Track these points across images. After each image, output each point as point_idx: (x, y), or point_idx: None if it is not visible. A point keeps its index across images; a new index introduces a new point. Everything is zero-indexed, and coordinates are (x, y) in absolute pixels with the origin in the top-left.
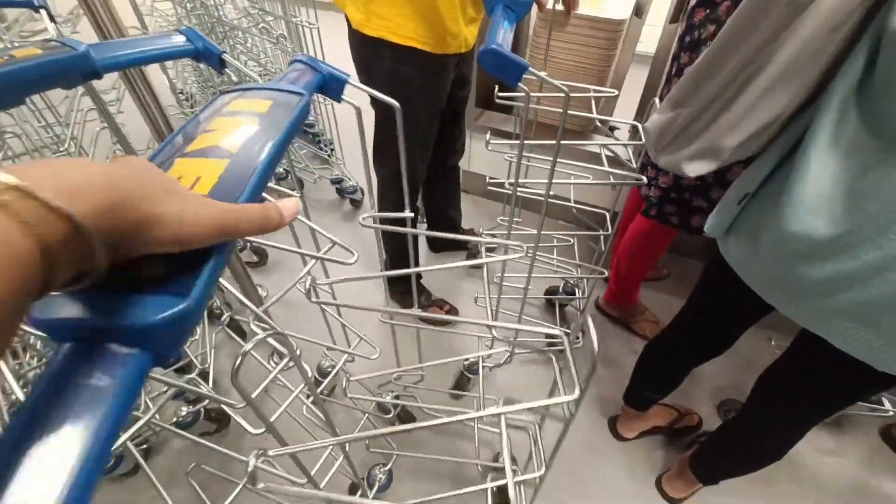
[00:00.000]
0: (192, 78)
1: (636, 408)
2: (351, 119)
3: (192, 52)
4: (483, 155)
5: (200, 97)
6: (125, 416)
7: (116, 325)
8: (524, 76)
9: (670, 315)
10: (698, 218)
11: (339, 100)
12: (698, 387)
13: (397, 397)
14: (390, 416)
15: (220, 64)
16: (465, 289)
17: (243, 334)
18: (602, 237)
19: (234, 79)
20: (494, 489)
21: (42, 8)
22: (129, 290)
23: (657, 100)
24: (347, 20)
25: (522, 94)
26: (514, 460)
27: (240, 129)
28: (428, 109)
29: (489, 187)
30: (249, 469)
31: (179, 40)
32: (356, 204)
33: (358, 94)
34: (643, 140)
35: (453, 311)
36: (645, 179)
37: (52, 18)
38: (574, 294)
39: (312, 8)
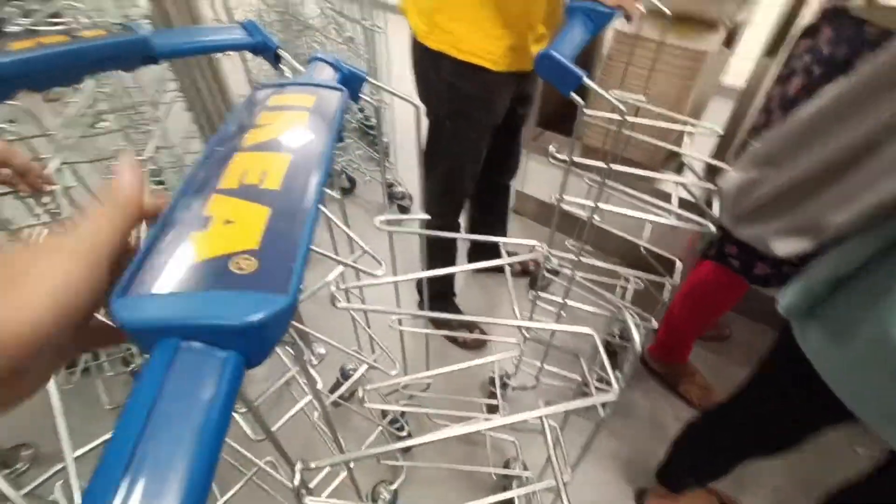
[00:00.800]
0: (273, 72)
1: (669, 488)
2: (410, 124)
3: (251, 45)
4: (539, 175)
5: None
6: (226, 426)
7: (213, 327)
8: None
9: (725, 384)
10: (763, 266)
11: (356, 99)
12: (747, 469)
13: (404, 412)
14: (403, 432)
15: (275, 59)
16: (503, 312)
17: None
18: (669, 285)
19: (289, 74)
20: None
21: None
22: (223, 285)
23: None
24: (411, 29)
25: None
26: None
27: (293, 123)
28: (482, 125)
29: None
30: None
31: (238, 33)
32: (404, 210)
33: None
34: (718, 204)
35: (482, 340)
36: (712, 228)
37: None
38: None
39: (382, 11)
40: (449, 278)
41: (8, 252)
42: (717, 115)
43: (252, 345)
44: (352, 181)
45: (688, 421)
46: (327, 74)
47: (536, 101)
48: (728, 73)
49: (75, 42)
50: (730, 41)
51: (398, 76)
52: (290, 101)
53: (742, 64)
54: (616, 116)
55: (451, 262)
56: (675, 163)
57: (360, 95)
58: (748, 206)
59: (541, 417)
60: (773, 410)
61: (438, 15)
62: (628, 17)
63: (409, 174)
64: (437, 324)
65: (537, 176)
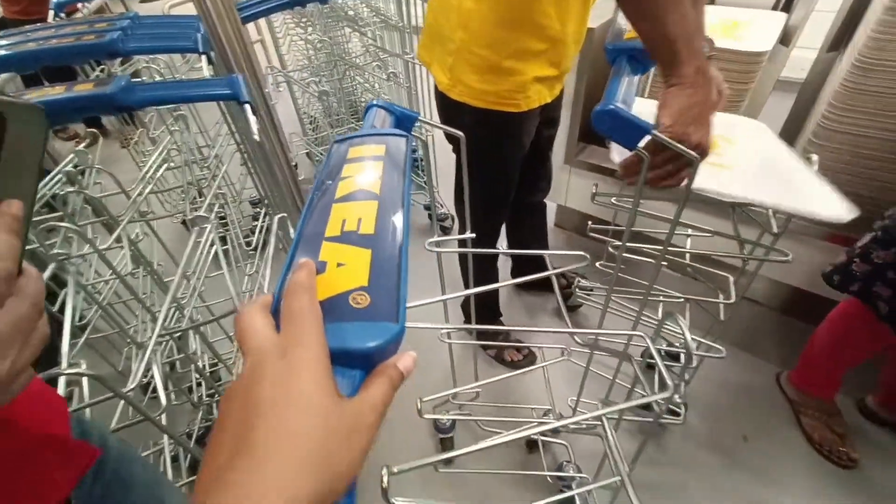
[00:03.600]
0: (318, 105)
1: None
2: (447, 148)
3: (222, 96)
4: (581, 190)
5: (322, 121)
6: None
7: (348, 352)
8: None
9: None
10: None
11: (410, 136)
12: None
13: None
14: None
15: (252, 111)
16: (550, 334)
17: None
18: (722, 306)
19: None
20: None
21: (205, 54)
22: (349, 317)
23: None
24: (434, 79)
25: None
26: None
27: (374, 171)
28: (511, 159)
29: (590, 233)
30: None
31: (216, 87)
32: (446, 231)
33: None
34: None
35: (531, 356)
36: (790, 257)
37: (209, 60)
38: (678, 359)
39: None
40: (493, 297)
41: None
42: (777, 110)
43: (374, 363)
44: None
45: None
46: (382, 118)
47: (568, 118)
48: (787, 67)
49: (57, 94)
50: (786, 39)
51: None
52: (366, 151)
53: (803, 54)
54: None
55: (494, 282)
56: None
57: (413, 133)
58: None
59: (601, 417)
60: None
61: (457, 68)
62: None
63: (448, 196)
64: (486, 346)
65: (580, 190)
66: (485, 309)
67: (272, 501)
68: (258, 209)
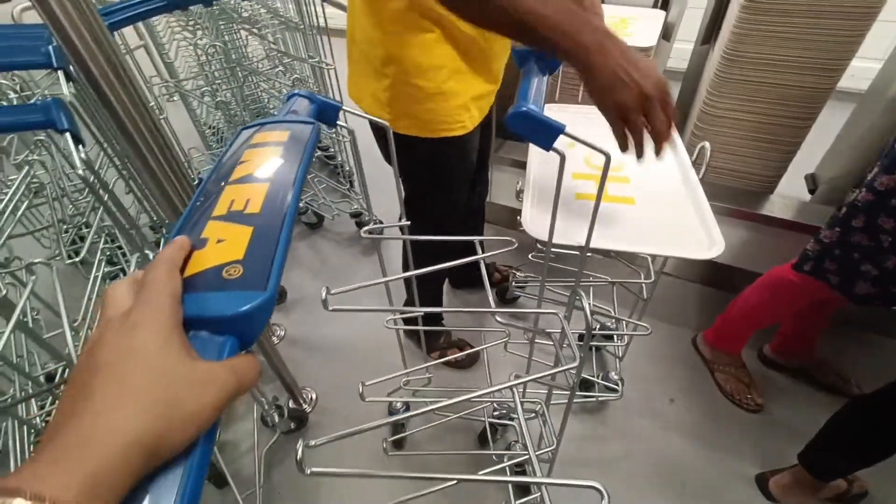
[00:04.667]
0: (219, 113)
1: (818, 476)
2: (370, 152)
3: (42, 124)
4: (504, 184)
5: (226, 132)
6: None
7: (213, 319)
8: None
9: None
10: (865, 286)
11: (333, 125)
12: None
13: (407, 406)
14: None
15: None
16: (489, 330)
17: None
18: (644, 286)
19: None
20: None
21: (60, 69)
22: (218, 287)
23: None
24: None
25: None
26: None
27: (270, 156)
28: (463, 179)
29: (520, 227)
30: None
31: (27, 113)
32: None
33: (351, 119)
34: None
35: (474, 355)
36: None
37: (68, 77)
38: (613, 338)
39: (328, 45)
40: (437, 298)
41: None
42: None
43: (243, 330)
44: (319, 216)
45: (857, 396)
46: (303, 107)
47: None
48: (672, 59)
49: None
50: (668, 34)
51: (353, 107)
52: (268, 137)
53: (684, 46)
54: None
55: (440, 284)
56: None
57: (339, 123)
58: None
59: (512, 390)
60: None
61: (397, 103)
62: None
63: (376, 201)
64: (430, 349)
65: (503, 185)
66: (429, 318)
67: (108, 441)
68: (159, 235)
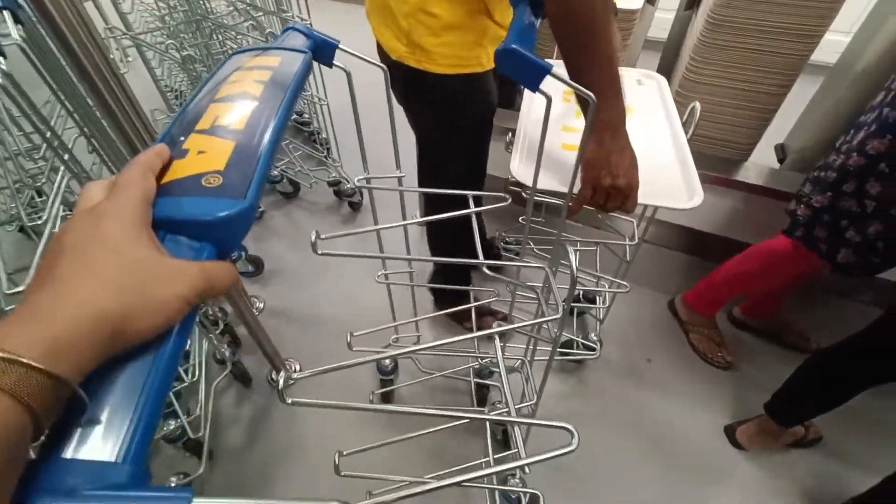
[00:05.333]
0: (182, 76)
1: (781, 423)
2: (348, 118)
3: None
4: (496, 153)
5: (189, 93)
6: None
7: (188, 221)
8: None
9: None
10: (847, 254)
11: (330, 65)
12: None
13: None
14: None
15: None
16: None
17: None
18: (627, 248)
19: None
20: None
21: (6, 9)
22: (196, 193)
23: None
24: (381, 50)
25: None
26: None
27: (259, 79)
28: (486, 122)
29: (510, 187)
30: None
31: None
32: (355, 207)
33: (347, 59)
34: None
35: (506, 320)
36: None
37: (15, 18)
38: (595, 302)
39: (304, 1)
40: (464, 275)
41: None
42: (646, 67)
43: (221, 237)
44: (295, 185)
45: (821, 352)
46: (299, 41)
47: None
48: (652, 28)
49: None
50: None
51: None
52: (260, 62)
53: (664, 16)
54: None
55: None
56: None
57: (334, 63)
58: None
59: (495, 341)
60: None
61: (414, 34)
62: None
63: (353, 169)
64: (461, 317)
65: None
66: (455, 277)
67: (72, 310)
68: None
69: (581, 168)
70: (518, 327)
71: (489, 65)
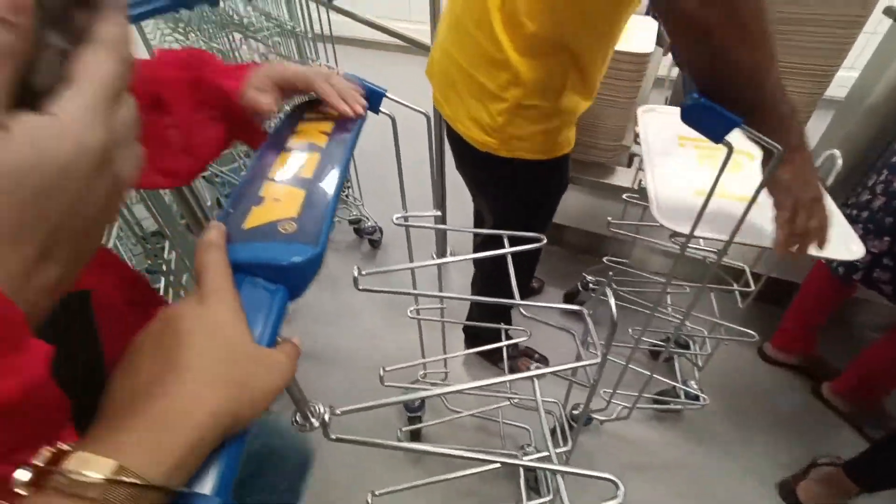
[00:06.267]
0: None
1: (867, 488)
2: (368, 159)
3: None
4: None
5: None
6: (277, 332)
7: (267, 265)
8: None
9: None
10: None
11: (377, 111)
12: None
13: (422, 401)
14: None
15: None
16: (558, 335)
17: None
18: (738, 293)
19: None
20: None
21: None
22: (274, 238)
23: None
24: (461, 138)
25: None
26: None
27: (323, 130)
28: (557, 199)
29: (611, 230)
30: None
31: None
32: (375, 244)
33: (391, 106)
34: None
35: (543, 360)
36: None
37: None
38: (688, 347)
39: (331, 44)
40: (503, 315)
41: None
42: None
43: (294, 280)
44: None
45: None
46: None
47: None
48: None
49: None
50: (661, 40)
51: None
52: (321, 113)
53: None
54: None
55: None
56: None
57: (381, 110)
58: None
59: (533, 382)
60: None
61: (511, 126)
62: None
63: (373, 208)
64: (495, 359)
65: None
66: (494, 317)
67: (195, 413)
68: (160, 244)
69: (775, 192)
70: (556, 370)
71: (574, 142)
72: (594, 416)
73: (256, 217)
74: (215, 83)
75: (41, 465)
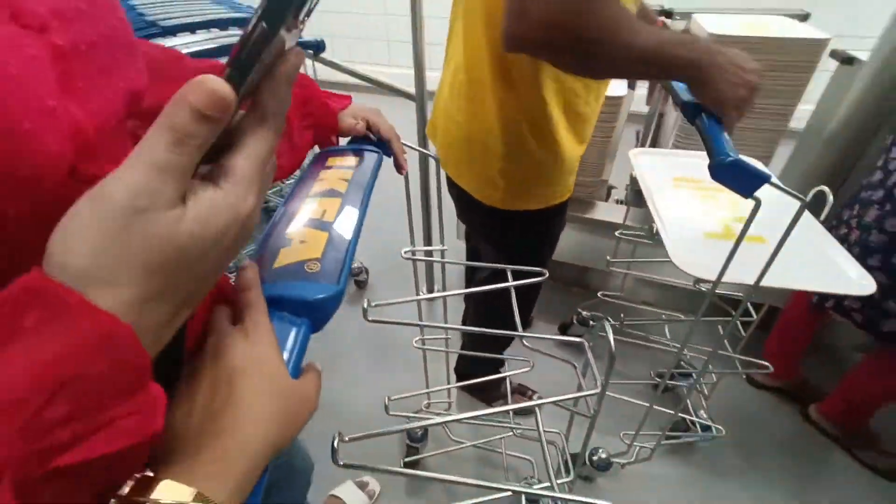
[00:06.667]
0: None
1: None
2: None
3: None
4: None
5: None
6: (301, 363)
7: (294, 301)
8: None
9: None
10: (892, 323)
11: (390, 155)
12: None
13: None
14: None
15: None
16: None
17: None
18: (739, 323)
19: None
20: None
21: None
22: (301, 277)
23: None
24: (464, 192)
25: None
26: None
27: (343, 177)
28: (555, 243)
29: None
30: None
31: None
32: (360, 285)
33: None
34: None
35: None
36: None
37: None
38: (689, 376)
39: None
40: (500, 347)
41: None
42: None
43: (317, 315)
44: None
45: None
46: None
47: None
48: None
49: None
50: (633, 84)
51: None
52: (341, 162)
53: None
54: None
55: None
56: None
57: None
58: None
59: (536, 413)
60: None
61: (514, 182)
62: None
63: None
64: (490, 398)
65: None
66: (488, 365)
67: (252, 445)
68: None
69: (715, 107)
70: (557, 400)
71: (572, 187)
72: (615, 459)
73: (285, 257)
74: (323, 101)
75: (129, 495)
